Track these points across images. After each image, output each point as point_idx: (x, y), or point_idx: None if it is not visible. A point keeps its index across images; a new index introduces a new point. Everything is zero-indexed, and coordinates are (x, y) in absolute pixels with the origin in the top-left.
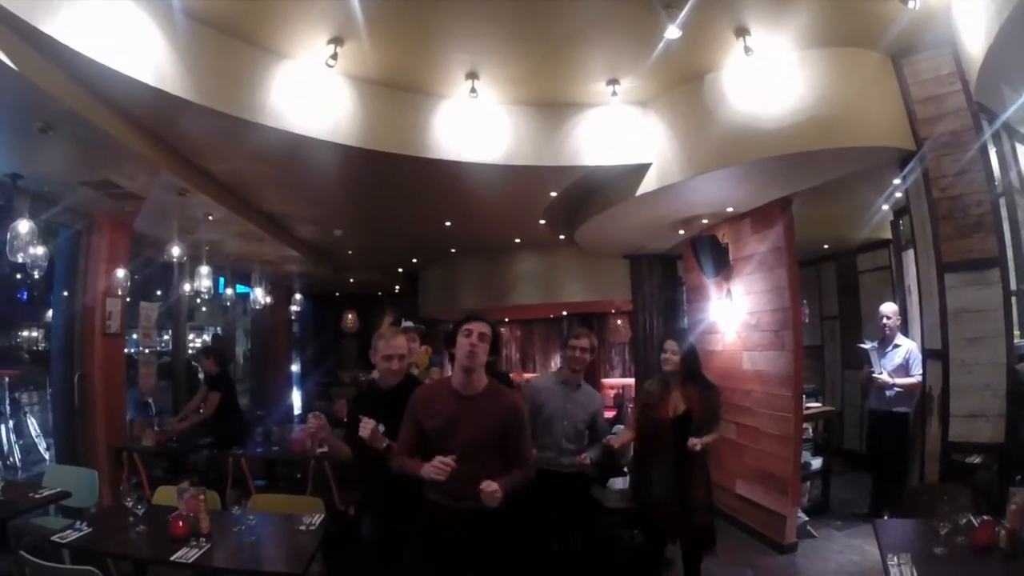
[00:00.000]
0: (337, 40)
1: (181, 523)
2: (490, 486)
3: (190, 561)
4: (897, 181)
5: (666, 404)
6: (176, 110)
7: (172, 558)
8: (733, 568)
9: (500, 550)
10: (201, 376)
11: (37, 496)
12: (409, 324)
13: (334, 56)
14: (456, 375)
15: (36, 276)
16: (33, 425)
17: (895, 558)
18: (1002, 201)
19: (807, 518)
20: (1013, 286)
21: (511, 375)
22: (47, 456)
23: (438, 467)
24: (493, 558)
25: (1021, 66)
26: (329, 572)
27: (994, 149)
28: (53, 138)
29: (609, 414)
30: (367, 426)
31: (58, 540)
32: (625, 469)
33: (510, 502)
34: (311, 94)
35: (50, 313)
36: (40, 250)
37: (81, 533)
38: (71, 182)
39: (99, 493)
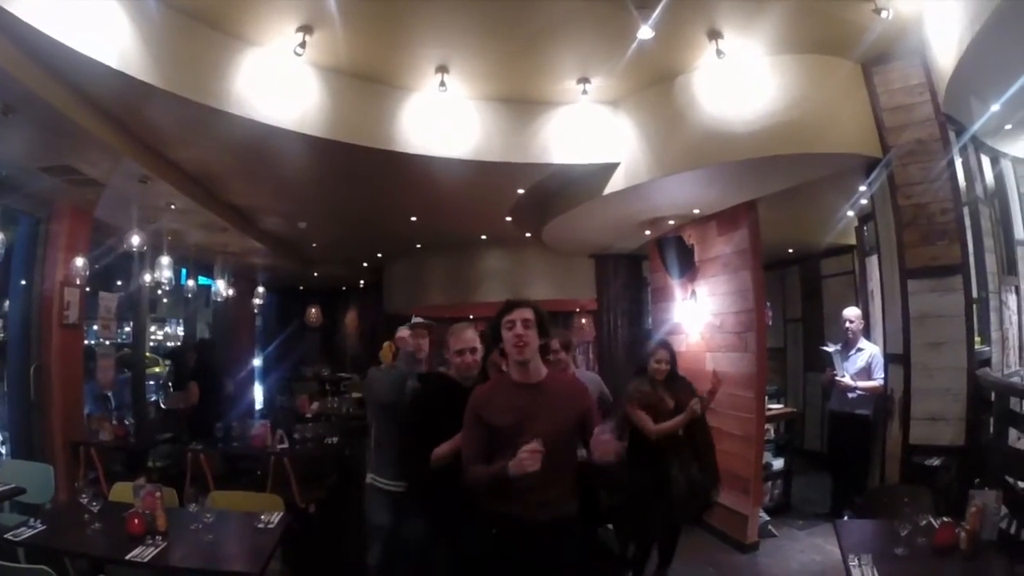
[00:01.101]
0: (306, 28)
1: (137, 521)
2: (604, 433)
3: (146, 560)
4: (863, 188)
5: (665, 402)
6: (140, 95)
7: (127, 557)
8: (695, 567)
9: (579, 565)
10: None
11: None
12: (419, 320)
13: (303, 44)
14: (513, 369)
15: None
16: None
17: (856, 559)
18: (966, 210)
19: (769, 518)
20: (975, 293)
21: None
22: (2, 451)
23: (528, 455)
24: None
25: (990, 79)
26: (288, 570)
27: (960, 160)
28: (12, 121)
29: None
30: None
31: (11, 538)
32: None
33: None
34: (278, 83)
35: (7, 303)
36: None
37: (36, 531)
38: (30, 167)
39: (55, 489)
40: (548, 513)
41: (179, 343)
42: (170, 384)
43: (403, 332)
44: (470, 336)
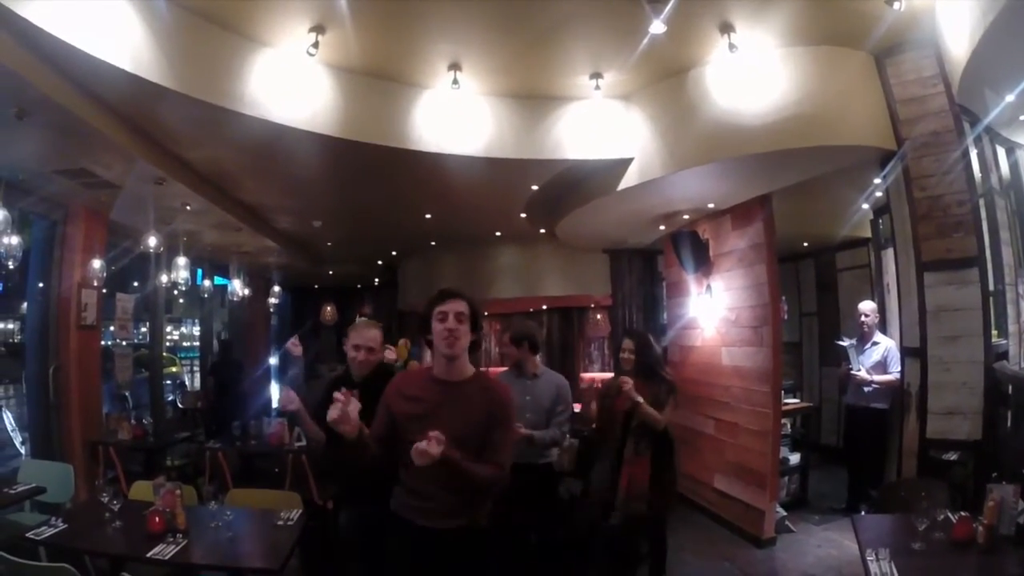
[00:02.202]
0: (319, 28)
1: (157, 519)
2: (428, 443)
3: (167, 558)
4: (878, 180)
5: (620, 397)
6: (154, 97)
7: (148, 555)
8: (712, 562)
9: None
10: None
11: (11, 492)
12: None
13: (315, 44)
14: (437, 363)
15: (11, 267)
16: (9, 419)
17: (873, 553)
18: (981, 202)
19: (785, 513)
20: (991, 286)
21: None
22: (23, 451)
23: (426, 446)
24: None
25: (1004, 70)
26: (307, 567)
27: (975, 151)
28: (28, 125)
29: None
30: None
31: (33, 537)
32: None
33: (487, 516)
34: (291, 83)
35: (25, 305)
36: (15, 240)
37: (56, 529)
38: (45, 170)
39: (75, 488)
40: (451, 522)
41: (215, 356)
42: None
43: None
44: (370, 335)
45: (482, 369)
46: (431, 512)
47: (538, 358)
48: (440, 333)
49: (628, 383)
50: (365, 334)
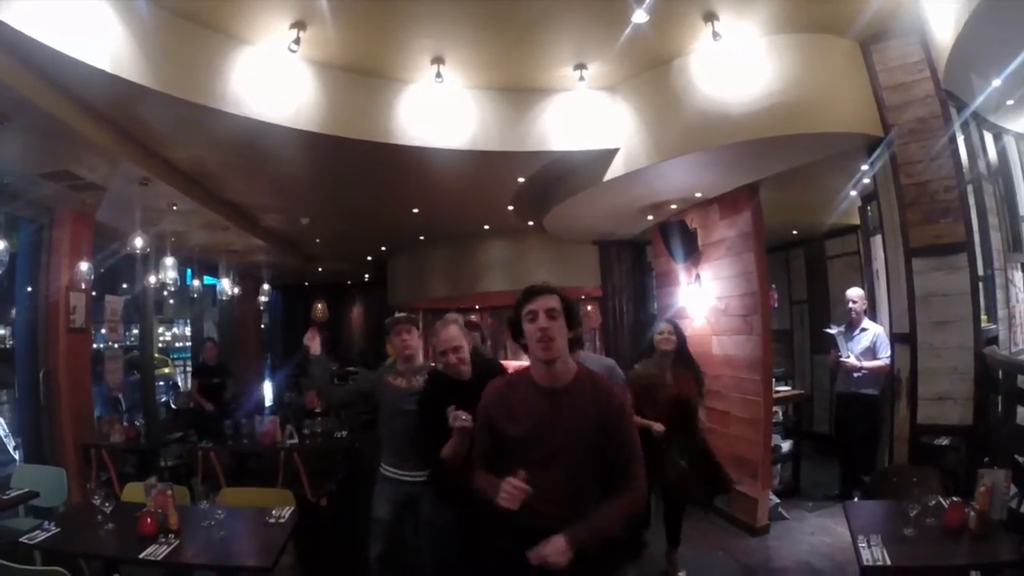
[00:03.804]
0: (299, 24)
1: (149, 520)
2: (554, 545)
3: (159, 558)
4: (865, 167)
5: (667, 385)
6: (135, 97)
7: (141, 556)
8: (706, 551)
9: None
10: None
11: (4, 497)
12: (401, 315)
13: (296, 41)
14: (535, 368)
15: None
16: (2, 425)
17: (866, 540)
18: (969, 188)
19: (778, 500)
20: (980, 271)
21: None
22: (16, 456)
23: (509, 492)
24: None
25: (989, 55)
26: (300, 564)
27: (962, 136)
28: (9, 129)
29: None
30: (458, 418)
31: (26, 541)
32: None
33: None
34: (273, 80)
35: (13, 310)
36: (0, 245)
37: (50, 533)
38: (30, 174)
39: (68, 492)
40: (553, 523)
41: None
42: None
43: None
44: (449, 335)
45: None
46: (551, 529)
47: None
48: (533, 335)
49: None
50: (443, 336)
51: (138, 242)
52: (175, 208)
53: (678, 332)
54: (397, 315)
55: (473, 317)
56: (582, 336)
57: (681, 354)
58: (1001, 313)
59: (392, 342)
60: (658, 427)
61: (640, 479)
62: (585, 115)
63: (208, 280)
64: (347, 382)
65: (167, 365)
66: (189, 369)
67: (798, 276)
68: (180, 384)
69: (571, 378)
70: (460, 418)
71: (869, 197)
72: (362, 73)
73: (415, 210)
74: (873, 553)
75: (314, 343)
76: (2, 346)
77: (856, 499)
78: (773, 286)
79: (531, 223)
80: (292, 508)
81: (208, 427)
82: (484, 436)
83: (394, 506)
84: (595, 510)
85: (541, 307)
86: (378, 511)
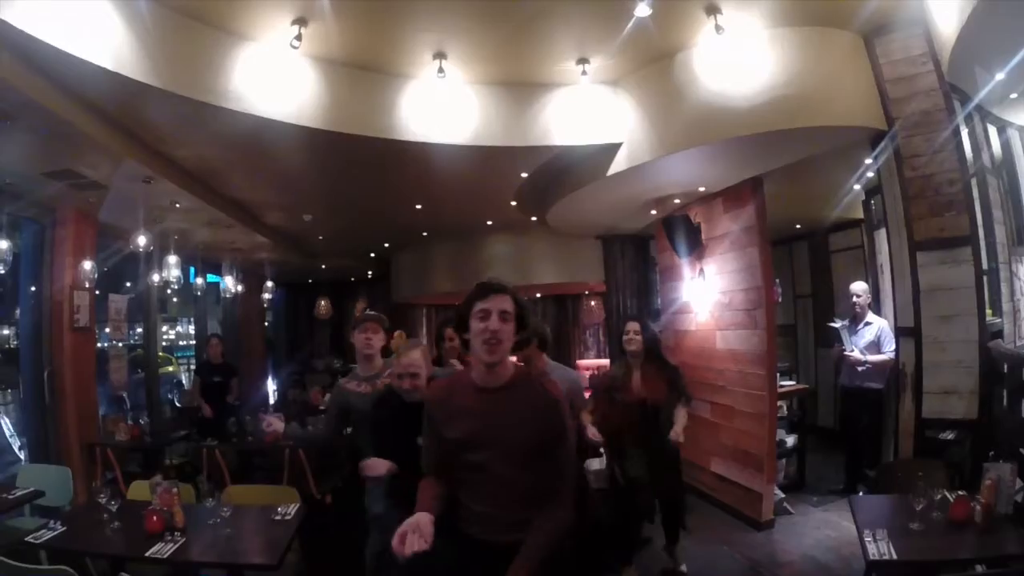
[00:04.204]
0: (301, 20)
1: (155, 518)
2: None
3: (165, 556)
4: (869, 160)
5: (630, 388)
6: (137, 95)
7: (147, 554)
8: (710, 546)
9: None
10: None
11: (10, 497)
12: (371, 313)
13: (298, 37)
14: (475, 367)
15: (1, 271)
16: (7, 425)
17: (871, 534)
18: (973, 181)
19: (783, 495)
20: (985, 264)
21: None
22: (22, 456)
23: (401, 536)
24: None
25: (993, 48)
26: (305, 561)
27: (966, 130)
28: (11, 128)
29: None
30: (374, 468)
31: (32, 540)
32: (601, 450)
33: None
34: (275, 76)
35: (17, 310)
36: (4, 244)
37: (56, 532)
38: (32, 173)
39: (73, 491)
40: (512, 535)
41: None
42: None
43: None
44: (410, 360)
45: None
46: (493, 528)
47: (546, 356)
48: (480, 334)
49: (679, 436)
50: (406, 361)
51: (141, 240)
52: (178, 206)
53: (646, 331)
54: (366, 312)
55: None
56: (548, 337)
57: (651, 354)
58: (1006, 307)
59: (355, 339)
60: (592, 432)
61: (569, 487)
62: (588, 109)
63: (211, 278)
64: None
65: (171, 363)
66: (193, 367)
67: (802, 270)
68: (184, 382)
69: (508, 378)
70: (271, 424)
71: (873, 191)
72: (364, 69)
73: (418, 206)
74: (879, 547)
75: (272, 429)
76: (7, 346)
77: (861, 493)
78: (777, 280)
79: (534, 218)
80: (298, 505)
81: (209, 430)
82: (429, 439)
83: (388, 500)
84: (524, 543)
85: (494, 307)
86: (373, 508)
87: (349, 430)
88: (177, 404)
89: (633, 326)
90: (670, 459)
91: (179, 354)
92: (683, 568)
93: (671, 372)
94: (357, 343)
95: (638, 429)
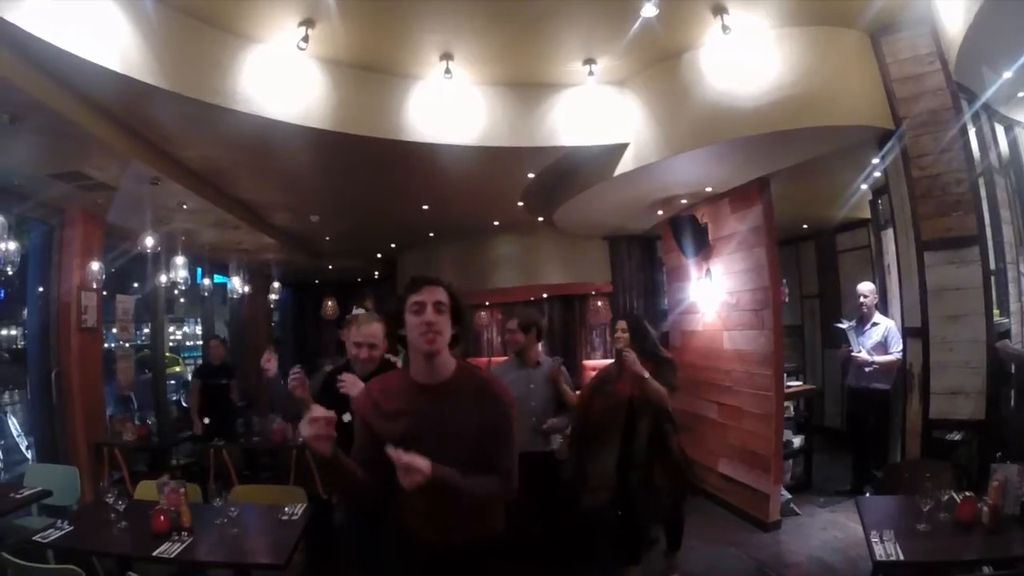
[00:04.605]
0: (308, 22)
1: (162, 518)
2: (412, 459)
3: (172, 556)
4: (876, 160)
5: (623, 382)
6: (145, 97)
7: (154, 553)
8: (717, 546)
9: None
10: None
11: (17, 496)
12: (360, 311)
13: (305, 39)
14: (414, 363)
15: (9, 272)
16: (14, 425)
17: (878, 535)
18: (981, 180)
19: (790, 496)
20: (992, 264)
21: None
22: (29, 455)
23: (309, 433)
24: None
25: (1001, 47)
26: (312, 561)
27: (973, 129)
28: (21, 130)
29: None
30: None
31: (40, 540)
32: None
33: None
34: (282, 78)
35: (25, 311)
36: (12, 245)
37: (63, 532)
38: (40, 175)
39: (81, 490)
40: (457, 535)
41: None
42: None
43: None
44: (371, 331)
45: (469, 360)
46: (435, 527)
47: (540, 346)
48: (416, 327)
49: (631, 355)
50: (365, 330)
51: (149, 241)
52: (185, 207)
53: (635, 329)
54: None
55: (482, 314)
56: (544, 329)
57: (644, 351)
58: (1013, 307)
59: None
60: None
61: (513, 473)
62: (594, 110)
63: (218, 279)
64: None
65: (178, 364)
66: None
67: (809, 270)
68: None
69: (450, 374)
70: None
71: (880, 190)
72: (371, 70)
73: (425, 206)
74: (886, 548)
75: (270, 364)
76: (14, 346)
77: (868, 494)
78: (784, 281)
79: (541, 219)
80: (304, 505)
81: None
82: (360, 434)
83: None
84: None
85: (428, 299)
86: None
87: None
88: (184, 404)
89: (621, 324)
90: (672, 459)
91: (186, 354)
92: None
93: (660, 364)
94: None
95: (623, 426)
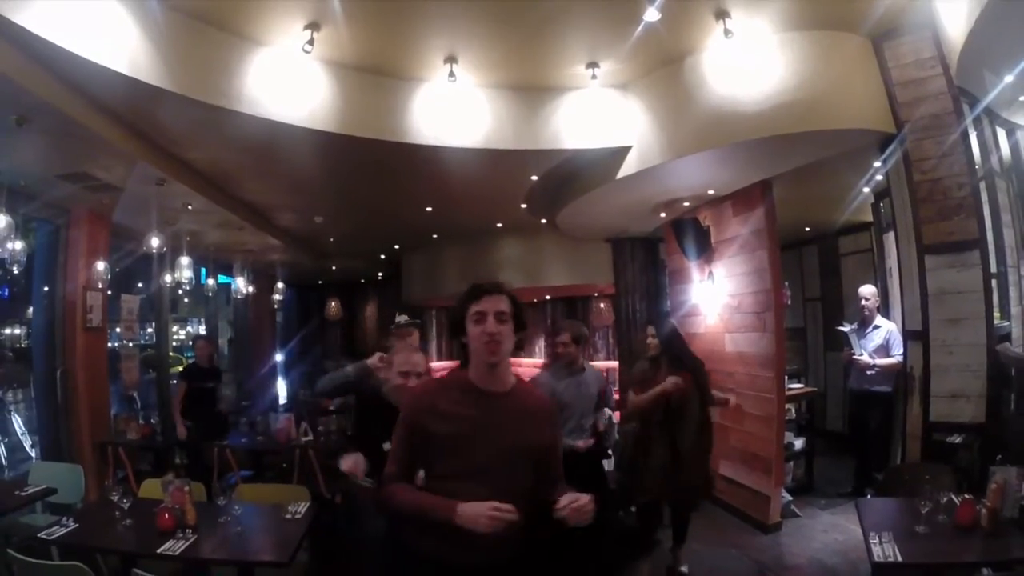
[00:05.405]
0: (313, 25)
1: (167, 515)
2: (577, 499)
3: (177, 553)
4: (878, 164)
5: (659, 382)
6: (152, 99)
7: (159, 551)
8: (718, 548)
9: None
10: None
11: (22, 494)
12: (402, 320)
13: (311, 42)
14: (476, 370)
15: (15, 272)
16: (18, 423)
17: (877, 537)
18: (982, 184)
19: (791, 498)
20: (993, 268)
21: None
22: (33, 454)
23: (495, 515)
24: None
25: (1002, 51)
26: (315, 560)
27: (975, 133)
28: (28, 131)
29: None
30: (348, 463)
31: (45, 537)
32: (609, 452)
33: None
34: (288, 81)
35: (31, 310)
36: (18, 245)
37: (68, 529)
38: (47, 175)
39: (85, 489)
40: (483, 556)
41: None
42: None
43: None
44: (418, 360)
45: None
46: (475, 544)
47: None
48: (478, 338)
49: (671, 384)
50: (415, 359)
51: (154, 242)
52: (190, 208)
53: (660, 333)
54: (400, 319)
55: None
56: (587, 336)
57: (675, 353)
58: (1014, 310)
59: (396, 347)
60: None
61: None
62: (598, 113)
63: (223, 279)
64: None
65: (182, 364)
66: None
67: (811, 273)
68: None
69: (510, 385)
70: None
71: (882, 194)
72: (376, 73)
73: (428, 208)
74: (884, 550)
75: (358, 470)
76: (19, 345)
77: (869, 496)
78: (786, 283)
79: (544, 221)
80: (308, 504)
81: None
82: (406, 443)
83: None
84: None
85: (490, 309)
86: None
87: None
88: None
89: (650, 330)
90: (695, 460)
91: (189, 354)
92: (684, 569)
93: (695, 368)
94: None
95: (661, 425)
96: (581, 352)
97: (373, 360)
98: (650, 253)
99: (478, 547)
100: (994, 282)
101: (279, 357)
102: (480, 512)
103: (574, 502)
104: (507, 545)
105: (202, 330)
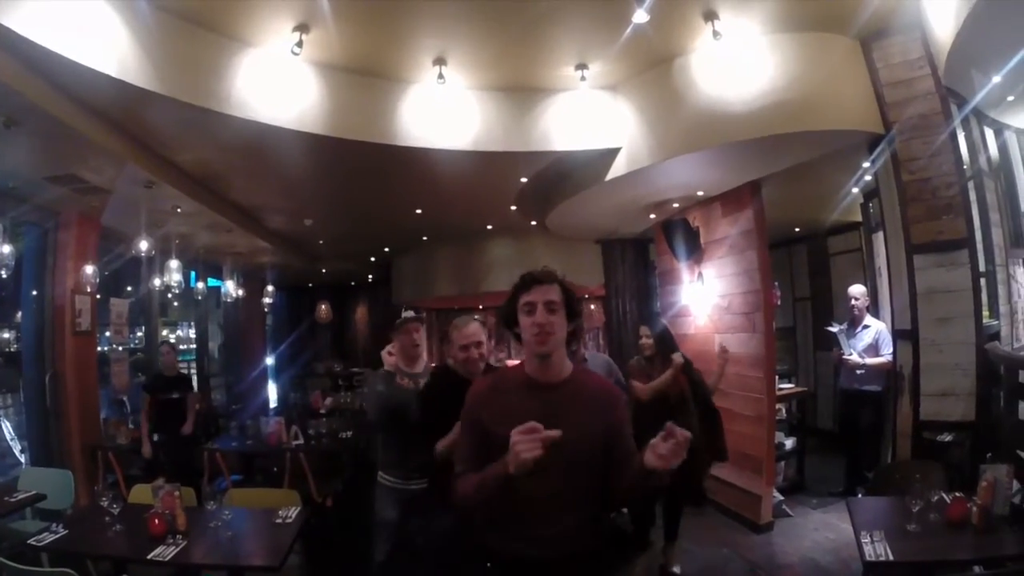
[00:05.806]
0: (302, 27)
1: (157, 521)
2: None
3: (167, 559)
4: (866, 164)
5: (658, 375)
6: (140, 101)
7: (149, 556)
8: (710, 548)
9: None
10: None
11: (11, 500)
12: (409, 314)
13: (299, 43)
14: (529, 362)
15: (3, 275)
16: (8, 428)
17: (869, 535)
18: (970, 184)
19: (782, 497)
20: (982, 267)
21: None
22: (23, 459)
23: (523, 441)
24: None
25: (990, 51)
26: (307, 564)
27: (963, 133)
28: (16, 133)
29: None
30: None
31: (35, 543)
32: None
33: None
34: (277, 82)
35: (20, 313)
36: (6, 248)
37: (58, 535)
38: (36, 178)
39: (75, 494)
40: (557, 549)
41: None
42: None
43: (387, 357)
44: (474, 330)
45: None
46: (546, 539)
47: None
48: (528, 328)
49: (679, 358)
50: (467, 331)
51: (143, 245)
52: (180, 210)
53: (653, 334)
54: (406, 314)
55: (476, 316)
56: (583, 330)
57: (665, 351)
58: (1003, 309)
59: (401, 340)
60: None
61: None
62: (587, 115)
63: (212, 282)
64: (352, 383)
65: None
66: (194, 371)
67: (801, 273)
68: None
69: (567, 374)
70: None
71: (871, 194)
72: (365, 74)
73: (418, 210)
74: (876, 548)
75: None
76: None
77: (860, 495)
78: (776, 283)
79: (534, 222)
80: (299, 508)
81: (160, 467)
82: (469, 438)
83: (400, 506)
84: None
85: (539, 299)
86: (383, 513)
87: (349, 434)
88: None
89: (644, 330)
90: (692, 458)
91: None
92: (676, 569)
93: (688, 367)
94: (404, 344)
95: (661, 422)
96: (578, 342)
97: (387, 360)
98: (640, 254)
99: (545, 541)
100: (983, 281)
101: (269, 360)
102: (514, 448)
103: (669, 435)
104: (575, 539)
105: (192, 333)
